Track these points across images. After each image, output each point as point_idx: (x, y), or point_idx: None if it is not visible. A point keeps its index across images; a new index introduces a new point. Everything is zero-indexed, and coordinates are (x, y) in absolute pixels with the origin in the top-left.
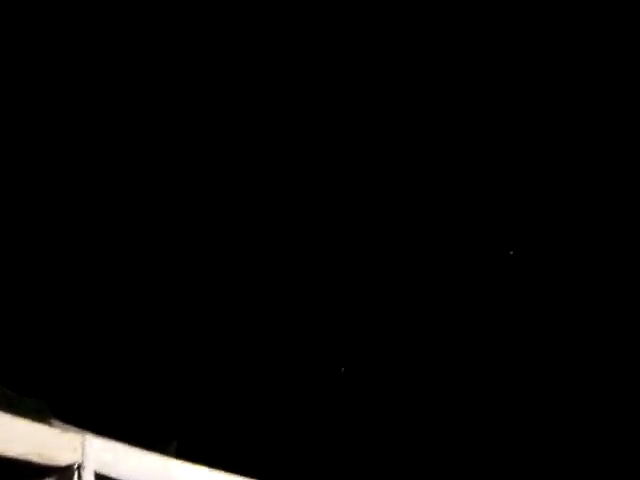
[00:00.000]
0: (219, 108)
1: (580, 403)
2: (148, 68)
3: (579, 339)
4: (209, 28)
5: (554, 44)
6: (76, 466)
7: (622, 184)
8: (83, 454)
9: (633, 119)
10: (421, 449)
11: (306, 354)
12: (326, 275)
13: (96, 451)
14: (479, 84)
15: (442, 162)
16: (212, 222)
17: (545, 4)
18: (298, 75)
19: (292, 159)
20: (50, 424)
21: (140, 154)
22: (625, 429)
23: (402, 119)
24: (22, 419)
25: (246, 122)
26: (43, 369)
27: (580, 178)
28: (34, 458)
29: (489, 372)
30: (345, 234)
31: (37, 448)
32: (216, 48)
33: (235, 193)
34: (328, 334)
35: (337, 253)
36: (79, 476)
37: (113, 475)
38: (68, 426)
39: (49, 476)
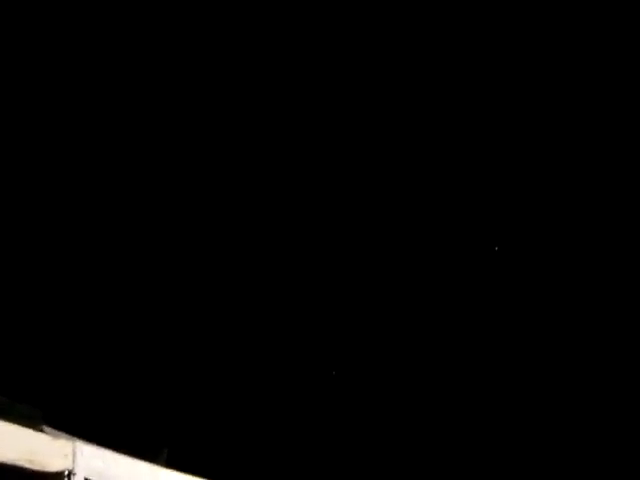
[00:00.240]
0: (219, 108)
1: (568, 396)
2: (148, 68)
3: (565, 333)
4: (209, 28)
5: (551, 43)
6: (66, 473)
7: (607, 180)
8: (74, 461)
9: (618, 114)
10: (412, 450)
11: (296, 361)
12: (315, 279)
13: (87, 458)
14: (467, 82)
15: (429, 160)
16: (206, 227)
17: (545, 4)
18: (298, 75)
19: (289, 159)
20: (41, 431)
21: (140, 154)
22: (616, 423)
23: (395, 119)
24: (14, 425)
25: (246, 122)
26: (35, 375)
27: (565, 175)
28: (25, 464)
29: (477, 368)
30: (334, 239)
31: (28, 454)
32: (216, 48)
33: (234, 193)
34: (318, 339)
35: (325, 256)
36: None
37: None
38: (59, 433)
39: None
